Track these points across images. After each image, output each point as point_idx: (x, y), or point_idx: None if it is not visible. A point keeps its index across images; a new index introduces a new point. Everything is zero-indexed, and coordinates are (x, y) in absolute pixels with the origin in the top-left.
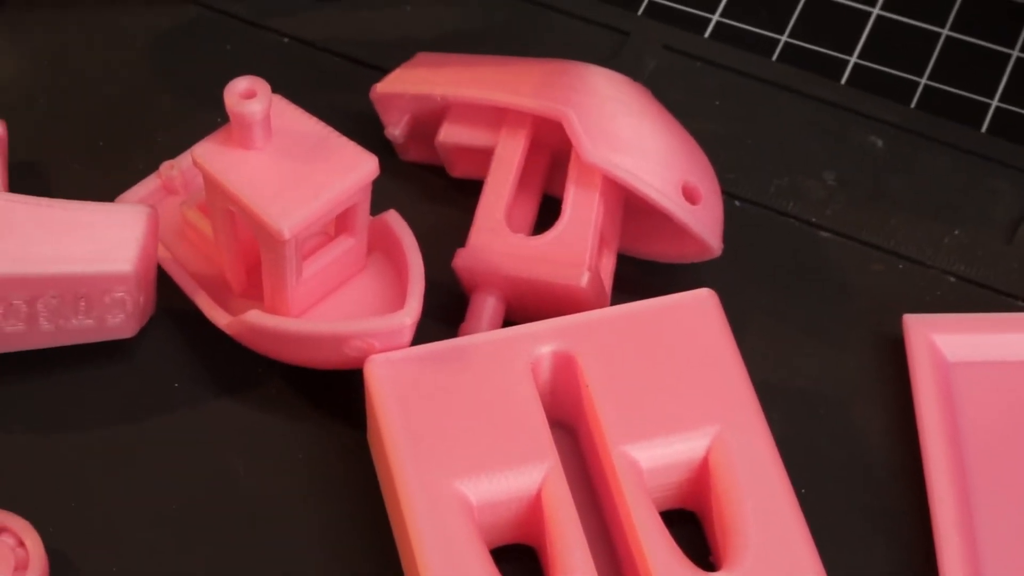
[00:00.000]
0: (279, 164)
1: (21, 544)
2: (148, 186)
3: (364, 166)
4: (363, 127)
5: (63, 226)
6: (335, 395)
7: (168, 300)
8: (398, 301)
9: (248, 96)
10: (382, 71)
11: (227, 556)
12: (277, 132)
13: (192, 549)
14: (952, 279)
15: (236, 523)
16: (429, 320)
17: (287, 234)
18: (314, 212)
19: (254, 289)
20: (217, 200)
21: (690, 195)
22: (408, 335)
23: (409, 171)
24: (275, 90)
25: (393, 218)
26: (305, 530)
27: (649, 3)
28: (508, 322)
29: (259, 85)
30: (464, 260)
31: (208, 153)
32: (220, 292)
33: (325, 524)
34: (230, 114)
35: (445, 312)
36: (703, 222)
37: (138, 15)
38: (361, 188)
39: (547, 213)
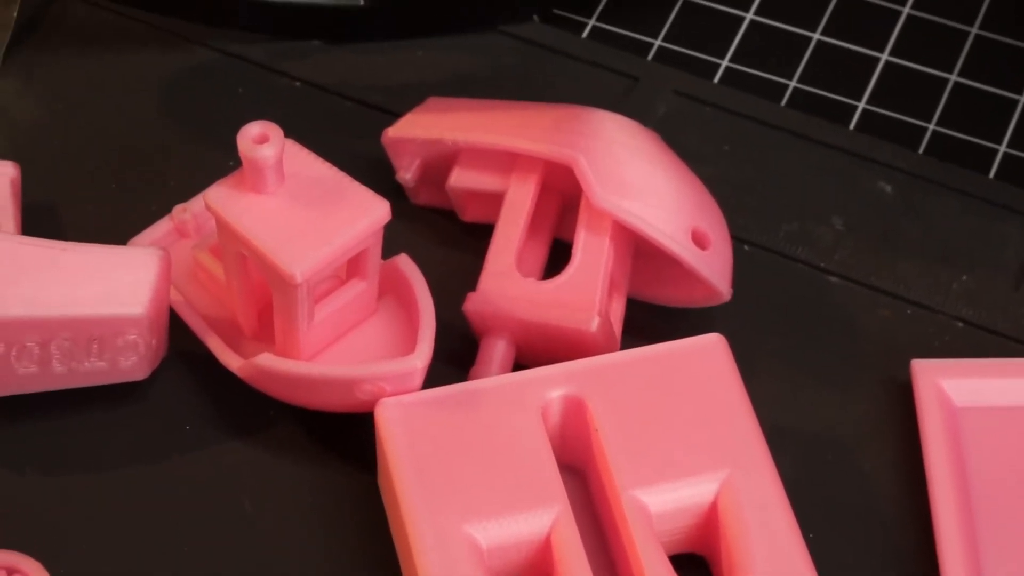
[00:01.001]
0: (291, 208)
1: None
2: (160, 229)
3: (376, 211)
4: (374, 171)
5: (76, 269)
6: (346, 438)
7: (180, 343)
8: (409, 345)
9: (261, 141)
10: (393, 115)
11: None
12: (290, 176)
13: None
14: (960, 324)
15: (246, 565)
16: (439, 364)
17: (299, 278)
18: (326, 256)
19: (265, 332)
20: (229, 244)
21: (700, 240)
22: (419, 379)
23: (420, 215)
24: (287, 134)
25: (404, 262)
26: (315, 572)
27: (659, 48)
28: (518, 366)
29: (272, 130)
30: (475, 304)
31: (221, 197)
32: (231, 335)
33: (335, 567)
34: (243, 158)
35: (455, 356)
36: (713, 267)
37: (151, 58)
38: (373, 232)
39: (557, 258)
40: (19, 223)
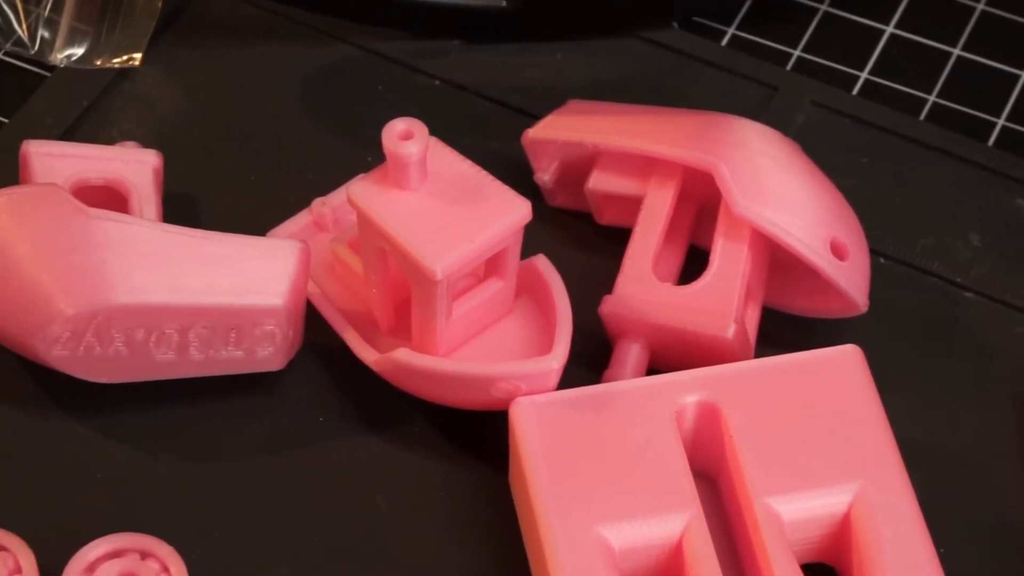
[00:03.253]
0: (434, 205)
1: (166, 570)
2: (299, 222)
3: (518, 210)
4: (510, 171)
5: (216, 258)
6: (477, 436)
7: (315, 335)
8: (544, 345)
9: (406, 137)
10: (531, 117)
11: None
12: (432, 174)
13: None
14: None
15: (375, 559)
16: (573, 365)
17: (440, 275)
18: (467, 254)
19: (401, 327)
20: (370, 238)
21: (838, 251)
22: (555, 379)
23: (555, 217)
24: None
25: (542, 263)
26: (444, 569)
27: (798, 58)
28: (651, 370)
29: (417, 127)
30: (611, 307)
31: (364, 192)
32: (367, 329)
33: (464, 564)
34: (387, 154)
35: (589, 358)
36: (850, 278)
37: (292, 53)
38: (514, 232)
39: (691, 264)
40: (160, 211)
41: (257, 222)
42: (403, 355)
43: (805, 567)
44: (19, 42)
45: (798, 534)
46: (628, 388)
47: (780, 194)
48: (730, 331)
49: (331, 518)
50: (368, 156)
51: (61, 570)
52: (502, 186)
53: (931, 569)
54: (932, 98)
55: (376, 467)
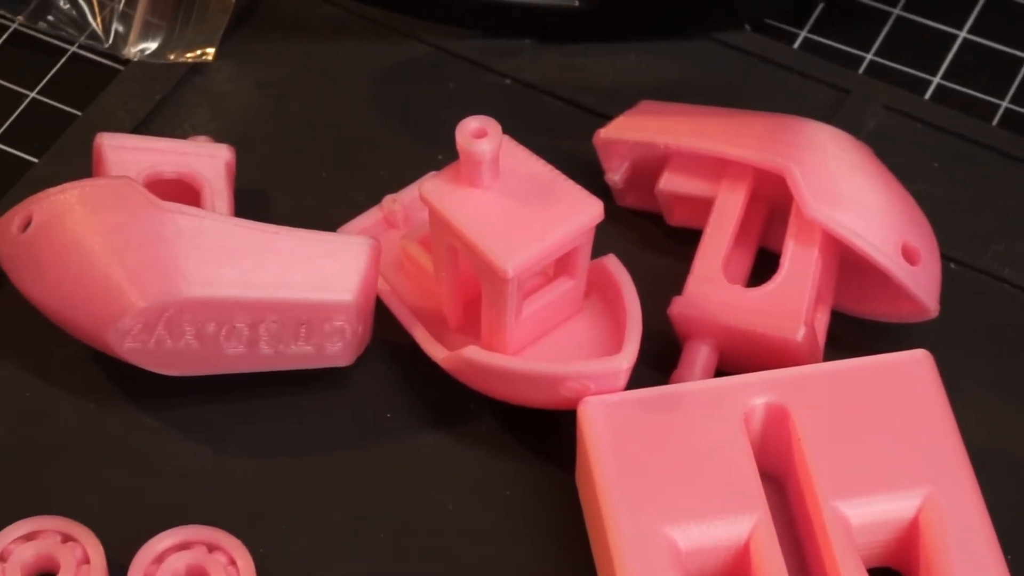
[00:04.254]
0: (505, 204)
1: (233, 563)
2: (370, 218)
3: (590, 210)
4: (580, 171)
5: (288, 253)
6: (545, 434)
7: (384, 331)
8: (613, 345)
9: (479, 135)
10: (601, 117)
11: None
12: (505, 172)
13: None
14: None
15: (440, 555)
16: (641, 365)
17: (511, 273)
18: (538, 252)
19: (470, 325)
20: (441, 235)
21: (910, 256)
22: (624, 379)
23: (625, 217)
24: None
25: (612, 262)
26: (509, 567)
27: (870, 62)
28: (719, 372)
29: (490, 125)
30: (681, 308)
31: (436, 189)
32: (436, 326)
33: (530, 562)
34: (460, 152)
35: (657, 359)
36: (922, 283)
37: (363, 50)
38: (585, 231)
39: (760, 266)
40: (232, 206)
41: (328, 218)
42: (472, 353)
43: (872, 571)
44: (93, 35)
45: (866, 538)
46: (697, 389)
47: (852, 197)
48: (800, 334)
49: (397, 515)
50: (439, 154)
51: (129, 561)
52: (574, 185)
53: (998, 575)
54: (1005, 104)
55: (443, 465)
